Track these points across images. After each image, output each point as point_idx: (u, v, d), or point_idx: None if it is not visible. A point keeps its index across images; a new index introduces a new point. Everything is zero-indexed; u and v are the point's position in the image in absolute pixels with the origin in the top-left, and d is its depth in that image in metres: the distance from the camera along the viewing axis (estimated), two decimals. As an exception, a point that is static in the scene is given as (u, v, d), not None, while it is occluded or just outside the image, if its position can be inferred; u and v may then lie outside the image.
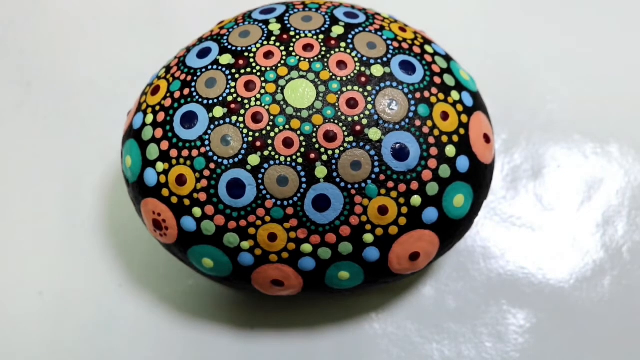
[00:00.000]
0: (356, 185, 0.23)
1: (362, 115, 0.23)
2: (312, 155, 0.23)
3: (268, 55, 0.24)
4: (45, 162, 0.32)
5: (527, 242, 0.30)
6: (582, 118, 0.33)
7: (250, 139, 0.23)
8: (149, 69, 0.31)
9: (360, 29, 0.25)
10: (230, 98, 0.23)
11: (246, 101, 0.23)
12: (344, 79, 0.24)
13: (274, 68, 0.24)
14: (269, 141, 0.23)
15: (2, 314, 0.29)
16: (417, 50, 0.25)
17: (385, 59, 0.24)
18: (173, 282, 0.29)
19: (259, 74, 0.24)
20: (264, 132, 0.23)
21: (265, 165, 0.23)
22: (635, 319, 0.29)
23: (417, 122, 0.23)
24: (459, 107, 0.24)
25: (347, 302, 0.29)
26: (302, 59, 0.24)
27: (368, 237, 0.23)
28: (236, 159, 0.23)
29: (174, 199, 0.24)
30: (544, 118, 0.33)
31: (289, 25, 0.25)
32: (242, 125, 0.23)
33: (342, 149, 0.23)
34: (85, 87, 0.34)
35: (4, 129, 0.33)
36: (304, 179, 0.23)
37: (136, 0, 0.36)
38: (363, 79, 0.24)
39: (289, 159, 0.23)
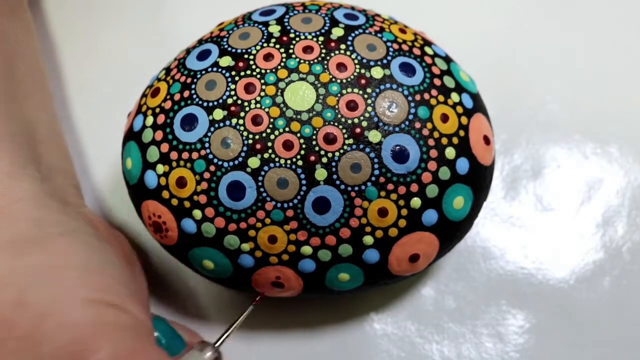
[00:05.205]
0: (356, 188, 0.23)
1: (362, 118, 0.23)
2: (312, 158, 0.23)
3: (268, 57, 0.24)
4: (46, 163, 0.32)
5: (527, 242, 0.30)
6: (582, 118, 0.33)
7: (250, 141, 0.23)
8: (148, 71, 0.31)
9: (360, 30, 0.25)
10: (230, 100, 0.23)
11: (246, 104, 0.23)
12: (344, 81, 0.23)
13: (273, 70, 0.24)
14: (269, 144, 0.23)
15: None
16: (417, 52, 0.25)
17: (385, 61, 0.24)
18: (173, 283, 0.29)
19: (258, 76, 0.24)
20: (264, 134, 0.23)
21: (265, 168, 0.23)
22: (635, 319, 0.29)
23: (417, 124, 0.23)
24: (459, 109, 0.24)
25: (347, 302, 0.29)
26: (302, 61, 0.24)
27: (368, 239, 0.23)
28: (236, 162, 0.23)
29: (174, 201, 0.24)
30: (544, 118, 0.33)
31: (288, 27, 0.25)
32: (242, 128, 0.23)
33: (342, 151, 0.23)
34: (86, 89, 0.34)
35: (4, 129, 0.33)
36: (303, 182, 0.23)
37: (136, 1, 0.36)
38: (363, 81, 0.24)
39: (289, 162, 0.23)
